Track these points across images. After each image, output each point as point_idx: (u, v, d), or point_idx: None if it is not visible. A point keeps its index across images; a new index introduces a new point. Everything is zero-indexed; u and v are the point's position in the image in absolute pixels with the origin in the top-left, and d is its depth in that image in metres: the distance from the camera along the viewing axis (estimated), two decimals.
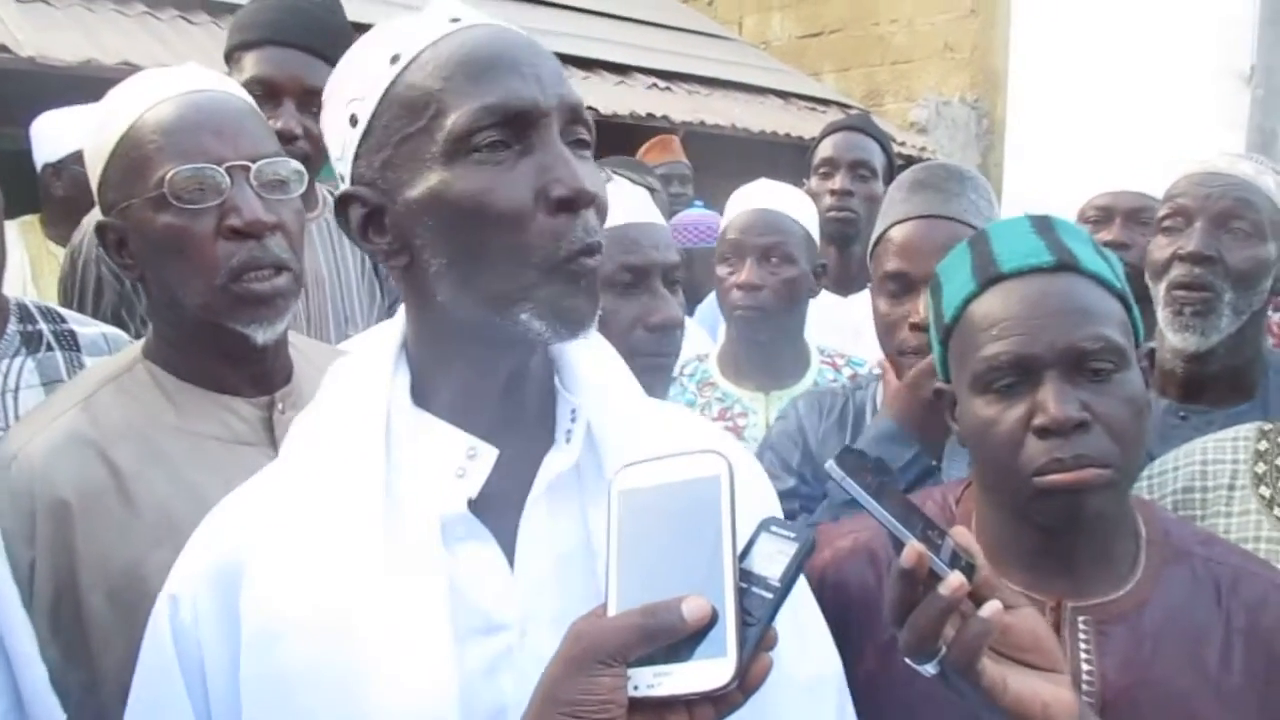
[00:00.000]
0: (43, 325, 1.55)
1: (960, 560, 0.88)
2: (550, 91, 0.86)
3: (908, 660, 0.89)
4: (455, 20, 0.89)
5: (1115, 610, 1.11)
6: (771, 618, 0.73)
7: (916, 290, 1.56)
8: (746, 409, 2.15)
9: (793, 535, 0.77)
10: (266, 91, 1.96)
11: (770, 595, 0.73)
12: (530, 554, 0.90)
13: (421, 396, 0.94)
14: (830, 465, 0.88)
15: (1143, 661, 1.08)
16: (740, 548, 0.75)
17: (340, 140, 0.91)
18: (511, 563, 0.90)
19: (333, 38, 2.05)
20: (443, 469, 0.90)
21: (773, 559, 0.75)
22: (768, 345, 2.13)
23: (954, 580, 0.84)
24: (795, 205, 2.16)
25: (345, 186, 0.91)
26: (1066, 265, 1.11)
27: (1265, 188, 1.78)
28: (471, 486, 0.89)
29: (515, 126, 0.85)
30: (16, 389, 1.47)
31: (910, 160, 4.98)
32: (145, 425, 1.26)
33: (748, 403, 2.16)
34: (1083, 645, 1.09)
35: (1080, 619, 1.11)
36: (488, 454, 0.90)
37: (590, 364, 0.98)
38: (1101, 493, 1.07)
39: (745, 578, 0.74)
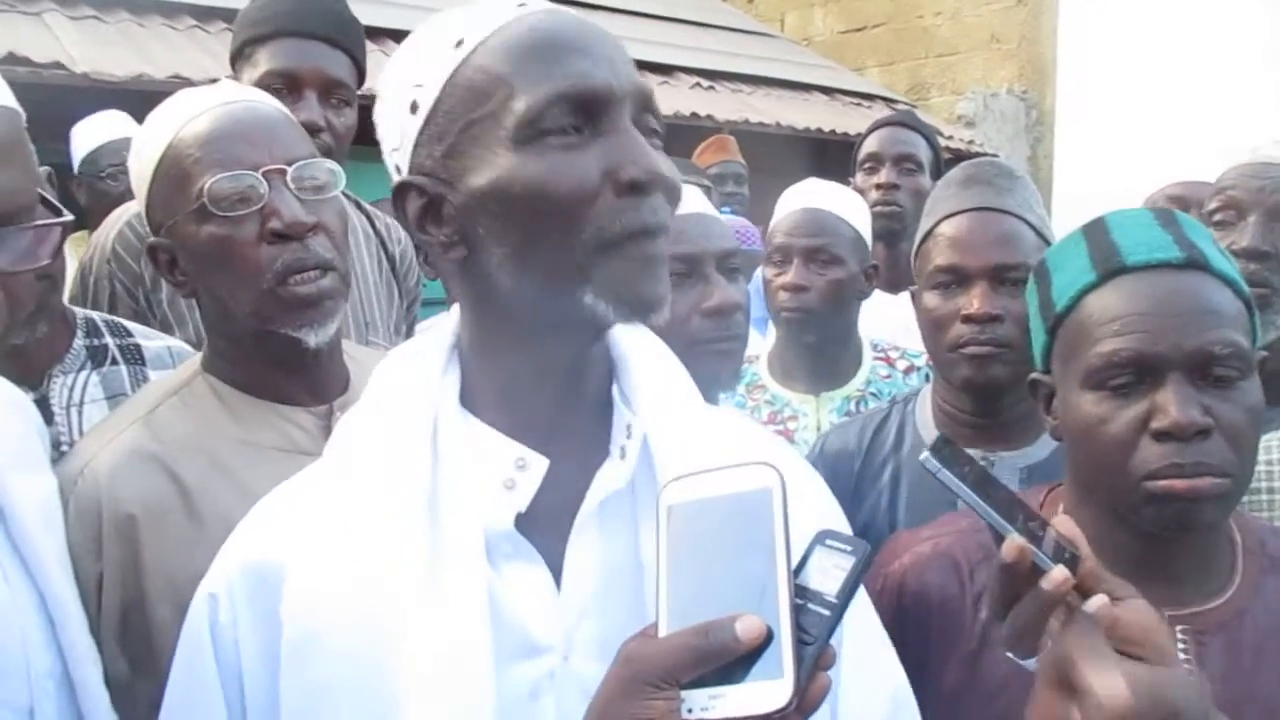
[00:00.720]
0: (109, 339, 1.57)
1: (1064, 553, 0.84)
2: (623, 76, 0.84)
3: (1010, 654, 0.87)
4: (522, 4, 0.87)
5: (1213, 620, 1.08)
6: (829, 635, 0.71)
7: (970, 284, 1.53)
8: (796, 411, 2.12)
9: (849, 549, 0.74)
10: (287, 84, 1.93)
11: (827, 612, 0.71)
12: (578, 575, 0.88)
13: (471, 401, 0.92)
14: (926, 457, 0.84)
15: (1244, 673, 1.05)
16: (795, 562, 0.72)
17: (398, 129, 0.87)
18: (558, 581, 0.87)
19: (348, 28, 2.05)
20: (490, 479, 0.88)
21: (829, 574, 0.73)
22: (816, 346, 2.10)
23: (1057, 575, 0.81)
24: (845, 205, 2.13)
25: (403, 176, 0.88)
26: (1195, 263, 1.06)
27: None
28: (520, 499, 0.87)
29: (588, 111, 0.82)
30: (81, 403, 1.50)
31: (959, 155, 4.92)
32: (207, 438, 1.27)
33: (797, 405, 2.13)
34: (1181, 654, 1.06)
35: (1179, 629, 1.07)
36: (538, 465, 0.88)
37: (651, 373, 0.96)
38: (1216, 503, 1.03)
39: (801, 594, 0.72)
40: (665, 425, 0.92)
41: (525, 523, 0.87)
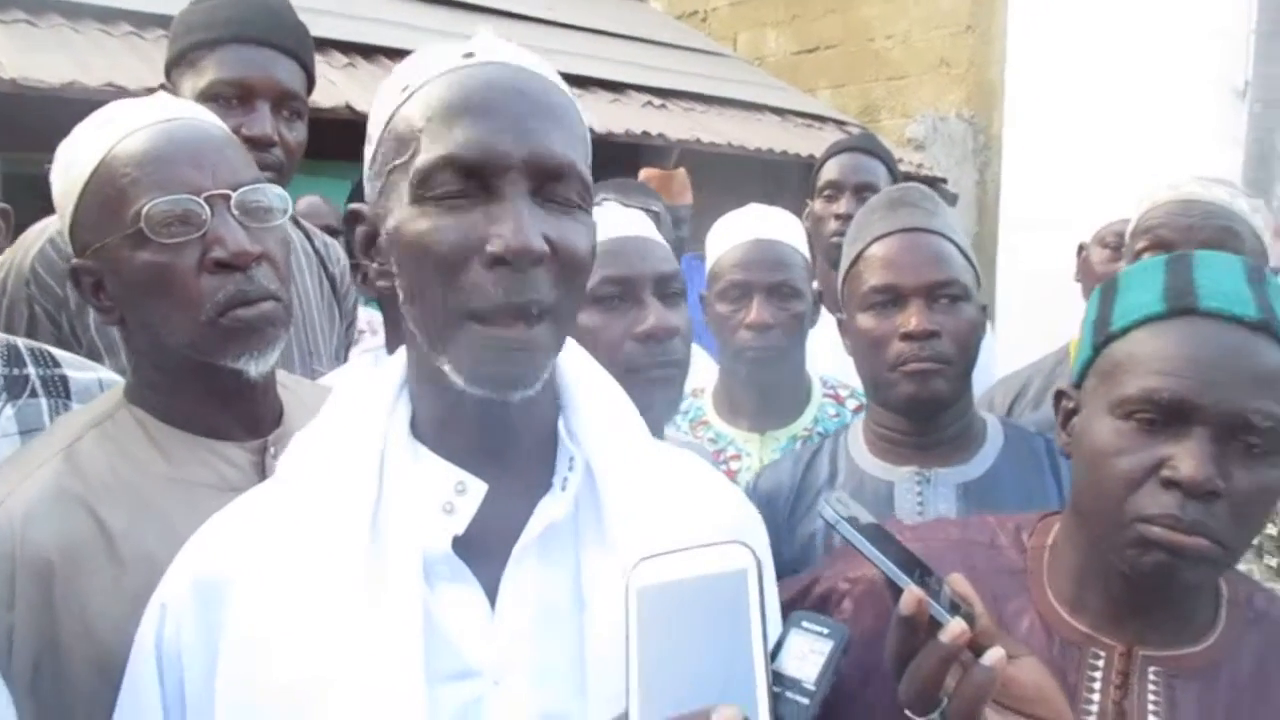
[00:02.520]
0: (31, 369, 1.46)
1: (960, 608, 0.84)
2: (523, 145, 0.85)
3: (908, 713, 0.85)
4: (469, 55, 0.89)
5: (1189, 665, 1.06)
6: None
7: (906, 302, 1.54)
8: (740, 450, 2.05)
9: (826, 632, 0.73)
10: (238, 93, 1.82)
11: (805, 700, 0.69)
12: (513, 601, 0.89)
13: (418, 428, 0.94)
14: (822, 507, 0.85)
15: None
16: (770, 647, 0.70)
17: (366, 159, 0.94)
18: (495, 607, 0.89)
19: (301, 37, 1.95)
20: (430, 502, 0.89)
21: (806, 659, 0.72)
22: (769, 384, 2.04)
23: (955, 627, 0.81)
24: (791, 232, 2.08)
25: (352, 205, 0.94)
26: (1268, 326, 1.01)
27: (1242, 212, 1.76)
28: (459, 523, 0.88)
29: (476, 176, 0.84)
30: None
31: (908, 177, 4.94)
32: (133, 475, 1.19)
33: (741, 444, 2.06)
34: (1151, 697, 1.04)
35: (1151, 669, 1.06)
36: (476, 489, 0.89)
37: (597, 407, 0.97)
38: (1201, 567, 1.00)
39: (777, 680, 0.70)
40: (611, 459, 0.94)
41: (466, 549, 0.89)
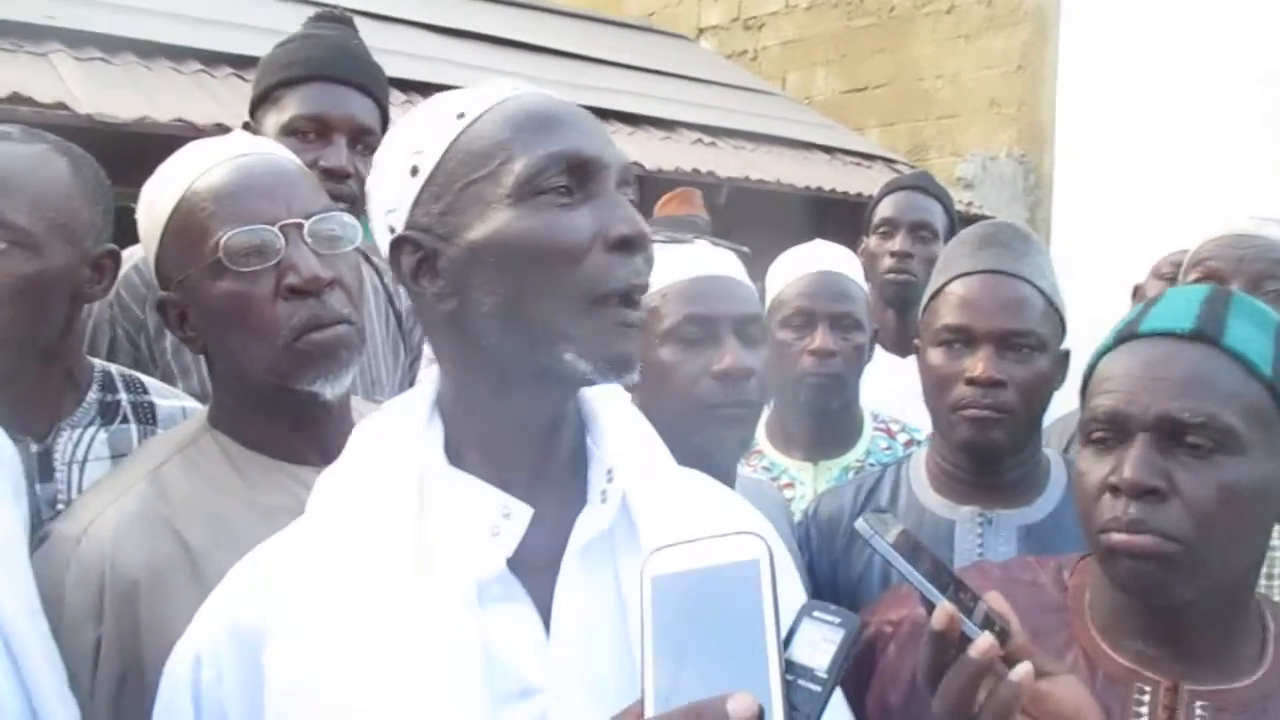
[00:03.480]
0: (123, 395, 1.52)
1: (994, 624, 0.85)
2: (610, 149, 0.93)
3: None
4: (516, 89, 0.96)
5: (1235, 700, 1.06)
6: (820, 712, 0.69)
7: (976, 346, 1.53)
8: (794, 479, 2.08)
9: (838, 621, 0.73)
10: (316, 128, 1.91)
11: (818, 688, 0.70)
12: (566, 616, 0.90)
13: (455, 454, 0.95)
14: (860, 524, 0.86)
15: None
16: (783, 635, 0.71)
17: (395, 191, 0.94)
18: (546, 624, 0.90)
19: (377, 76, 2.04)
20: (477, 528, 0.90)
21: (818, 647, 0.72)
22: (823, 413, 2.06)
23: (984, 642, 0.82)
24: (853, 268, 2.12)
25: (399, 232, 0.94)
26: (1203, 336, 1.07)
27: None
28: (507, 546, 0.90)
29: (579, 174, 0.90)
30: (85, 460, 1.44)
31: (958, 216, 4.95)
32: (214, 498, 1.23)
33: (795, 472, 2.08)
34: None
35: (1198, 704, 1.06)
36: (522, 513, 0.91)
37: (622, 425, 1.00)
38: (1167, 568, 1.02)
39: (790, 669, 0.70)
40: (638, 471, 0.96)
41: (511, 569, 0.90)
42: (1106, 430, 1.07)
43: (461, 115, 0.92)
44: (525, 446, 0.94)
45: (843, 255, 2.14)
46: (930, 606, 0.84)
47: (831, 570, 1.70)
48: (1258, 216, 1.90)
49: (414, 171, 0.92)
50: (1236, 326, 1.08)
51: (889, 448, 2.11)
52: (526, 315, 0.88)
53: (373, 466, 0.95)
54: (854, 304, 2.03)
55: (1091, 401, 1.10)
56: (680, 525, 0.88)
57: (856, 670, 1.29)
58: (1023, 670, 0.83)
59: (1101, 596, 1.14)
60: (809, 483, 2.06)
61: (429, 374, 1.01)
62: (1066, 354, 1.61)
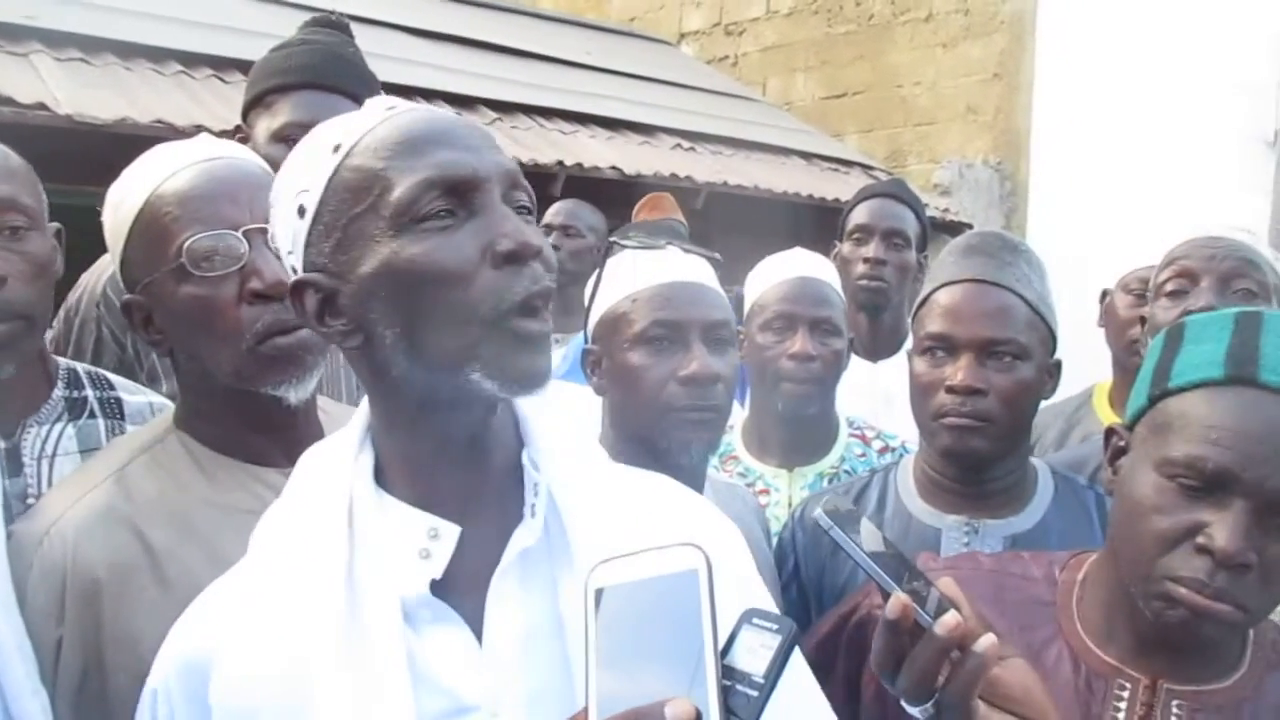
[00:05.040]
0: (89, 391, 1.53)
1: (945, 610, 0.87)
2: (487, 160, 0.90)
3: (903, 704, 0.89)
4: (390, 109, 0.94)
5: (1212, 701, 1.09)
6: (757, 716, 0.71)
7: (958, 354, 1.54)
8: (769, 485, 2.09)
9: (775, 627, 0.75)
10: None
11: (755, 693, 0.72)
12: (499, 631, 0.90)
13: (385, 479, 0.96)
14: (819, 514, 0.88)
15: None
16: (722, 642, 0.73)
17: (289, 234, 0.93)
18: (481, 641, 0.90)
19: (372, 85, 2.05)
20: (405, 551, 0.91)
21: (756, 653, 0.74)
22: (799, 419, 2.08)
23: (950, 619, 0.85)
24: (833, 276, 2.14)
25: (298, 275, 0.93)
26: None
27: (1263, 253, 1.80)
28: (435, 567, 0.90)
29: (457, 194, 0.88)
30: (54, 455, 1.45)
31: (934, 223, 4.99)
32: (179, 499, 1.24)
33: (770, 479, 2.10)
34: None
35: (1174, 702, 1.09)
36: (450, 533, 0.91)
37: (554, 434, 0.99)
38: (1223, 629, 1.04)
39: (729, 675, 0.72)
40: (571, 483, 0.96)
41: (443, 587, 0.90)
42: (1202, 481, 1.03)
43: (337, 148, 0.91)
44: (449, 467, 0.94)
45: (822, 263, 2.17)
46: (886, 595, 0.86)
47: (819, 575, 1.72)
48: (1227, 224, 1.93)
49: (300, 212, 0.92)
50: None
51: (864, 454, 2.13)
52: (428, 343, 0.88)
53: (305, 496, 0.96)
54: (833, 310, 2.06)
55: (1192, 446, 1.03)
56: (616, 535, 0.89)
57: (851, 653, 1.32)
58: (986, 642, 0.86)
59: (1094, 594, 1.17)
60: (784, 489, 2.08)
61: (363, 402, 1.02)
62: (1058, 364, 1.61)
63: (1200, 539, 1.01)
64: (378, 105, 0.94)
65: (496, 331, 0.87)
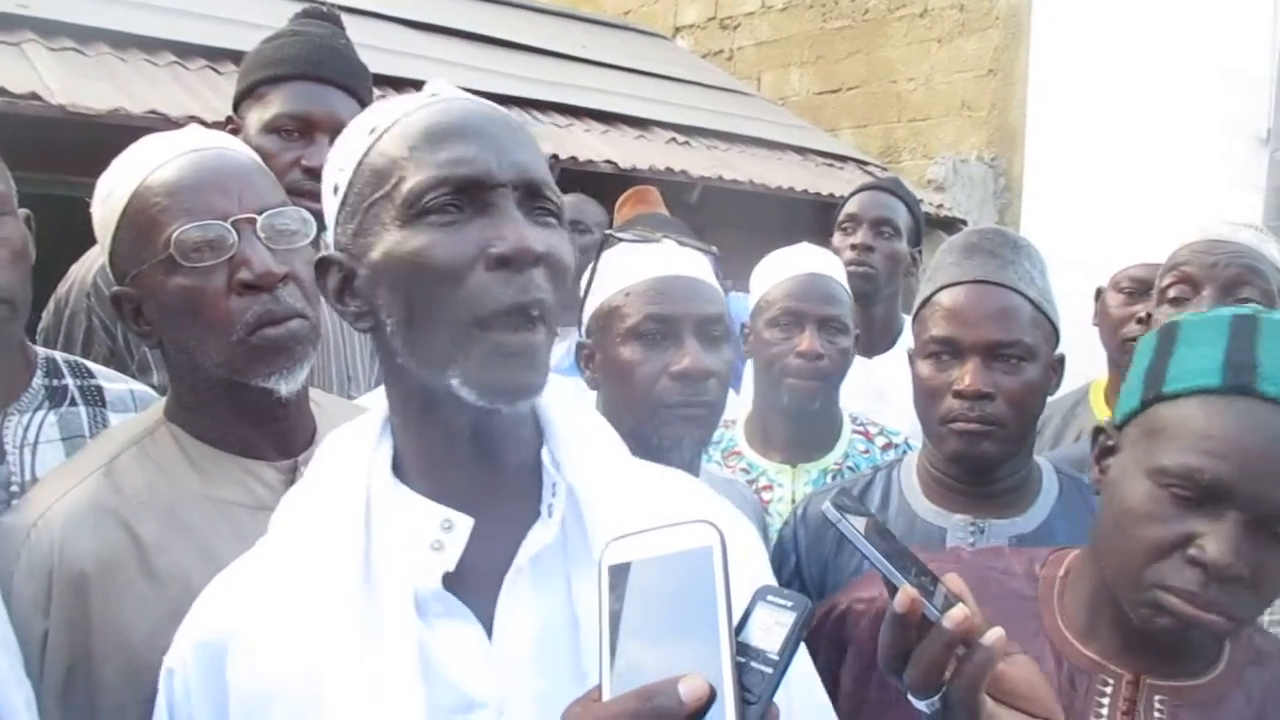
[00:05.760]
0: (69, 380, 1.52)
1: (952, 605, 0.88)
2: (506, 162, 0.89)
3: (910, 698, 0.89)
4: (433, 95, 0.94)
5: (1193, 696, 1.10)
6: (772, 693, 0.71)
7: (964, 358, 1.52)
8: (772, 481, 2.09)
9: (790, 604, 0.74)
10: (300, 126, 1.93)
11: (770, 670, 0.71)
12: (510, 629, 0.90)
13: (401, 469, 0.96)
14: (826, 507, 0.88)
15: None
16: (736, 620, 0.73)
17: (328, 210, 0.95)
18: (491, 638, 0.90)
19: (361, 76, 2.06)
20: (418, 542, 0.90)
21: (770, 631, 0.73)
22: (804, 415, 2.06)
23: (958, 612, 0.85)
24: (839, 272, 2.13)
25: (323, 252, 0.95)
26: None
27: (1268, 255, 1.78)
28: (448, 560, 0.90)
29: (468, 192, 0.88)
30: (35, 443, 1.44)
31: (928, 218, 4.99)
32: (168, 492, 1.24)
33: (774, 475, 2.09)
34: None
35: (1157, 698, 1.10)
36: (463, 525, 0.91)
37: (575, 430, 0.99)
38: (1213, 635, 1.05)
39: (743, 652, 0.72)
40: (592, 481, 0.95)
41: (458, 583, 0.90)
42: (1196, 492, 1.01)
43: (372, 130, 0.92)
44: (461, 460, 0.93)
45: (830, 258, 2.15)
46: (893, 589, 0.86)
47: (821, 572, 1.70)
48: (1233, 222, 1.92)
49: (335, 190, 0.93)
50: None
51: (867, 451, 2.12)
52: (420, 338, 0.88)
53: (325, 483, 0.96)
54: (841, 308, 2.04)
55: (1186, 455, 1.01)
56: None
57: (831, 645, 1.32)
58: (994, 635, 0.86)
59: (1076, 591, 1.17)
60: (788, 485, 2.07)
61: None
62: (1061, 359, 1.60)
63: (1193, 550, 1.00)
64: (424, 92, 0.95)
65: (477, 339, 0.86)
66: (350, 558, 0.89)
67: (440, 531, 0.91)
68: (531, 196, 0.91)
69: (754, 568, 1.02)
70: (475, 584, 0.90)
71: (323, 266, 0.94)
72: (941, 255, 1.66)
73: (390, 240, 0.88)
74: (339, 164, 0.94)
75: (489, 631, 0.90)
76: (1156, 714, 1.09)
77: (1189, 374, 1.06)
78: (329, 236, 0.95)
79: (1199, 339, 1.08)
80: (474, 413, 0.91)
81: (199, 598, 0.98)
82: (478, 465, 0.94)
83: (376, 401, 0.97)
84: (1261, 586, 1.01)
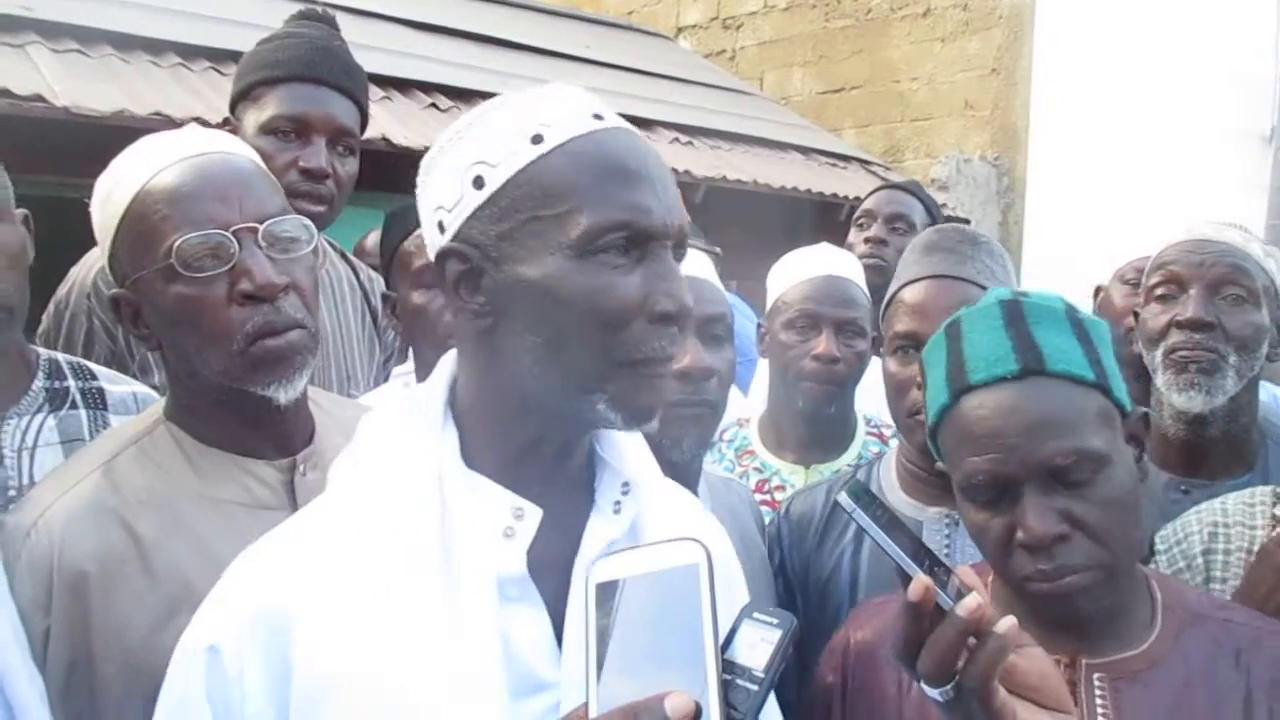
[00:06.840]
0: (71, 382, 1.52)
1: (964, 595, 0.88)
2: (674, 214, 0.93)
3: (923, 686, 0.91)
4: (598, 118, 0.94)
5: (1131, 668, 1.12)
6: (758, 711, 0.72)
7: None
8: (785, 481, 2.09)
9: (775, 622, 0.76)
10: (296, 128, 1.95)
11: (755, 687, 0.72)
12: (577, 623, 0.91)
13: (469, 456, 0.96)
14: (841, 497, 0.89)
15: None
16: (722, 637, 0.73)
17: (454, 196, 0.93)
18: (555, 622, 0.93)
19: (357, 77, 2.07)
20: (490, 528, 0.92)
21: (756, 648, 0.75)
22: (818, 417, 2.07)
23: (971, 602, 0.86)
24: (857, 273, 2.13)
25: (447, 241, 0.93)
26: (1031, 370, 1.12)
27: (1254, 254, 1.79)
28: (520, 547, 0.92)
29: (640, 241, 0.90)
30: (34, 447, 1.44)
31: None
32: (167, 491, 1.25)
33: (786, 475, 2.10)
34: (1099, 702, 1.10)
35: (1095, 675, 1.12)
36: (534, 514, 0.93)
37: (634, 438, 1.03)
38: (1091, 593, 1.09)
39: (729, 669, 0.73)
40: (648, 482, 1.00)
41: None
42: (991, 491, 1.12)
43: (538, 140, 0.91)
44: (540, 458, 0.96)
45: (848, 259, 2.15)
46: (906, 580, 0.87)
47: (803, 568, 1.73)
48: (1218, 222, 1.93)
49: (478, 183, 0.91)
50: (1047, 342, 1.13)
51: (879, 452, 2.10)
52: (564, 361, 0.91)
53: (393, 463, 0.96)
54: (859, 310, 2.05)
55: (963, 466, 1.13)
56: (681, 532, 0.89)
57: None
58: (1007, 623, 0.87)
59: (998, 585, 1.20)
60: (800, 485, 2.06)
61: (435, 374, 1.02)
62: None
63: (1018, 538, 1.10)
64: (585, 108, 0.94)
65: (630, 370, 0.91)
66: (427, 541, 0.90)
67: (512, 519, 0.93)
68: (679, 246, 0.95)
69: (730, 581, 1.05)
70: (538, 571, 0.93)
71: (445, 256, 0.93)
72: (905, 254, 1.71)
73: (554, 265, 0.89)
74: (484, 157, 0.92)
75: (551, 616, 0.93)
76: (1098, 692, 1.11)
77: (934, 399, 1.19)
78: (444, 218, 0.94)
79: (932, 363, 1.21)
80: (583, 429, 0.97)
81: (238, 571, 0.96)
82: (554, 461, 0.97)
83: (377, 401, 0.97)
84: (1096, 531, 1.08)
